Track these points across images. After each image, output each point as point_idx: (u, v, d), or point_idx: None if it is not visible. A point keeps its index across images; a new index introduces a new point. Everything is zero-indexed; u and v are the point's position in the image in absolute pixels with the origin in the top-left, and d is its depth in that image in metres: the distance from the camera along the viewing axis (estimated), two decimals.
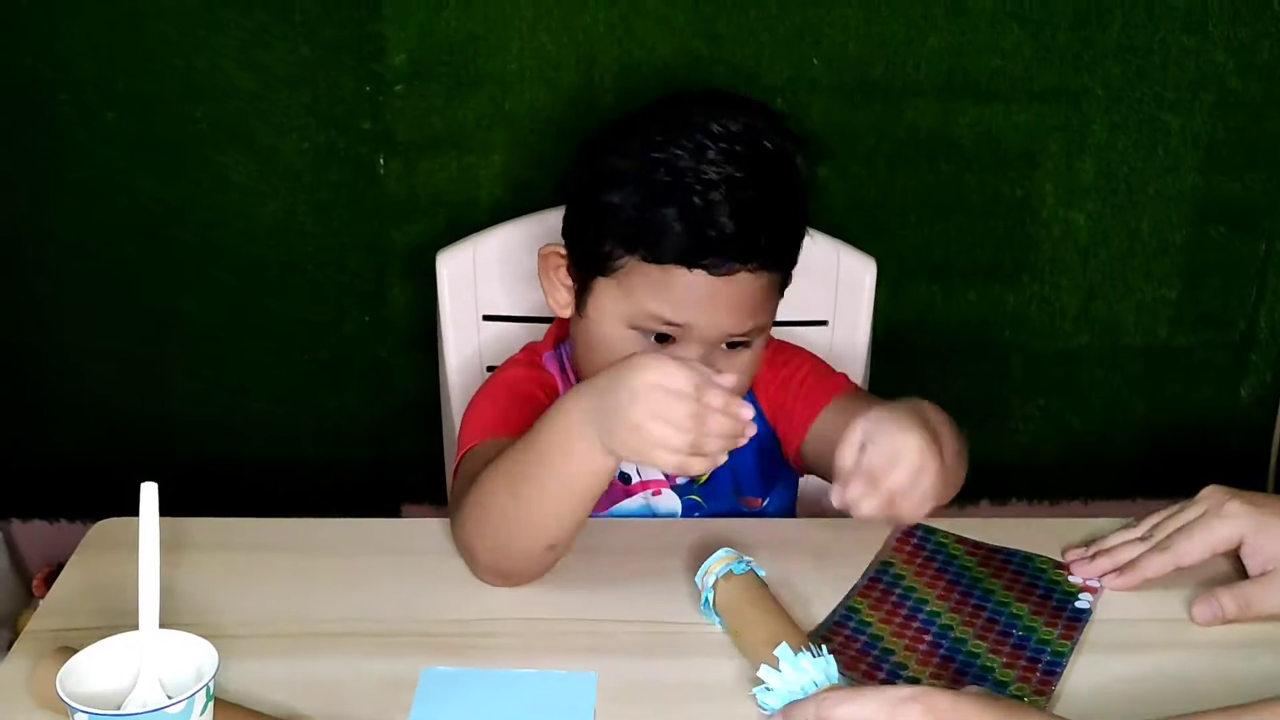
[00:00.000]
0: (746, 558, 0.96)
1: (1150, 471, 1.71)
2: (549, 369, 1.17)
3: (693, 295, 1.04)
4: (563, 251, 1.12)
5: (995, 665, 0.92)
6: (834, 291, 1.35)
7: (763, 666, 0.85)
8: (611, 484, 1.15)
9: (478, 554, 1.00)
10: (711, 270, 1.03)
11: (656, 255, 1.03)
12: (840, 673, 0.85)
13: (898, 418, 0.91)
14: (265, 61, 1.42)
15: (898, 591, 1.00)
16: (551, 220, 1.17)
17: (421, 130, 1.46)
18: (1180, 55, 1.49)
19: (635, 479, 1.16)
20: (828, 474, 1.13)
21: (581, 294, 1.10)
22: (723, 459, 0.91)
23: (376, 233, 1.51)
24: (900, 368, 1.59)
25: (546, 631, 0.95)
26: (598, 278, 1.07)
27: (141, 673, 0.80)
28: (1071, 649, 0.94)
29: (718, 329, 1.05)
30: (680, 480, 1.16)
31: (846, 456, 0.92)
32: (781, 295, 1.12)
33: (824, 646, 0.86)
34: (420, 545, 1.06)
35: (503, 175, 1.48)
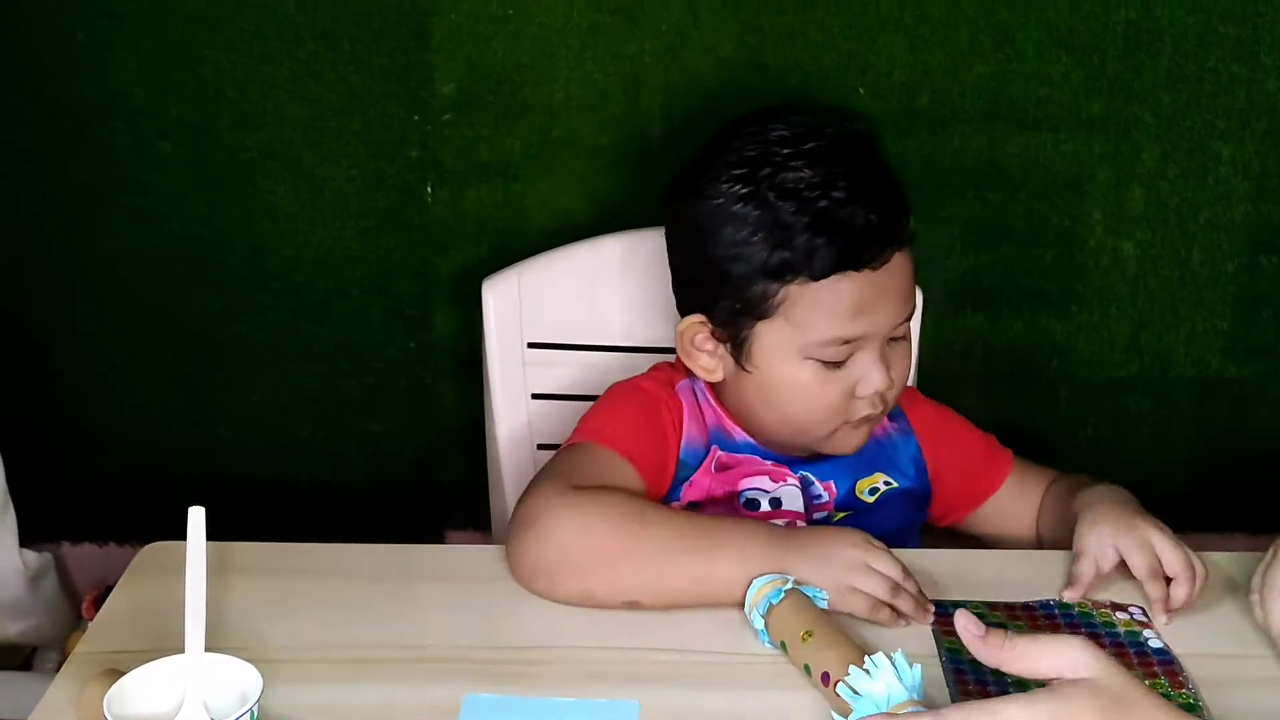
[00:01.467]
0: (791, 580, 0.95)
1: (1200, 505, 1.68)
2: (681, 398, 1.14)
3: (863, 299, 1.02)
4: (700, 319, 1.09)
5: None
6: None
7: (852, 669, 0.83)
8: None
9: (540, 558, 0.99)
10: (873, 265, 1.02)
11: (816, 271, 1.02)
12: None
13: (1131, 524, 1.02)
14: (315, 91, 1.43)
15: (966, 671, 0.92)
16: (599, 247, 1.16)
17: (469, 158, 1.47)
18: (1231, 83, 1.47)
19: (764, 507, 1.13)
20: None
21: (740, 348, 1.07)
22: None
23: (423, 259, 1.51)
24: (946, 397, 1.58)
25: (589, 659, 0.95)
26: (756, 324, 1.05)
27: (187, 696, 0.81)
28: (1197, 698, 0.90)
29: (889, 325, 1.05)
30: (817, 515, 1.14)
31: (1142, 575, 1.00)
32: None
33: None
34: (463, 572, 1.06)
35: (549, 203, 1.48)
